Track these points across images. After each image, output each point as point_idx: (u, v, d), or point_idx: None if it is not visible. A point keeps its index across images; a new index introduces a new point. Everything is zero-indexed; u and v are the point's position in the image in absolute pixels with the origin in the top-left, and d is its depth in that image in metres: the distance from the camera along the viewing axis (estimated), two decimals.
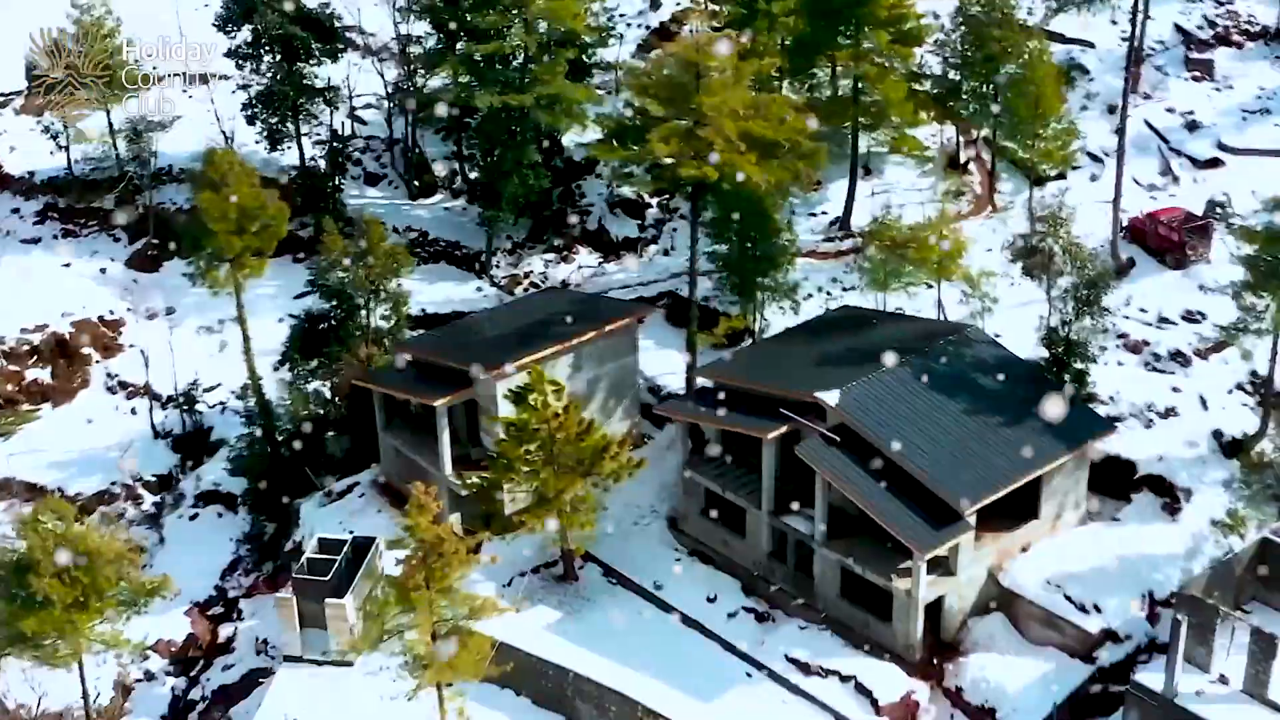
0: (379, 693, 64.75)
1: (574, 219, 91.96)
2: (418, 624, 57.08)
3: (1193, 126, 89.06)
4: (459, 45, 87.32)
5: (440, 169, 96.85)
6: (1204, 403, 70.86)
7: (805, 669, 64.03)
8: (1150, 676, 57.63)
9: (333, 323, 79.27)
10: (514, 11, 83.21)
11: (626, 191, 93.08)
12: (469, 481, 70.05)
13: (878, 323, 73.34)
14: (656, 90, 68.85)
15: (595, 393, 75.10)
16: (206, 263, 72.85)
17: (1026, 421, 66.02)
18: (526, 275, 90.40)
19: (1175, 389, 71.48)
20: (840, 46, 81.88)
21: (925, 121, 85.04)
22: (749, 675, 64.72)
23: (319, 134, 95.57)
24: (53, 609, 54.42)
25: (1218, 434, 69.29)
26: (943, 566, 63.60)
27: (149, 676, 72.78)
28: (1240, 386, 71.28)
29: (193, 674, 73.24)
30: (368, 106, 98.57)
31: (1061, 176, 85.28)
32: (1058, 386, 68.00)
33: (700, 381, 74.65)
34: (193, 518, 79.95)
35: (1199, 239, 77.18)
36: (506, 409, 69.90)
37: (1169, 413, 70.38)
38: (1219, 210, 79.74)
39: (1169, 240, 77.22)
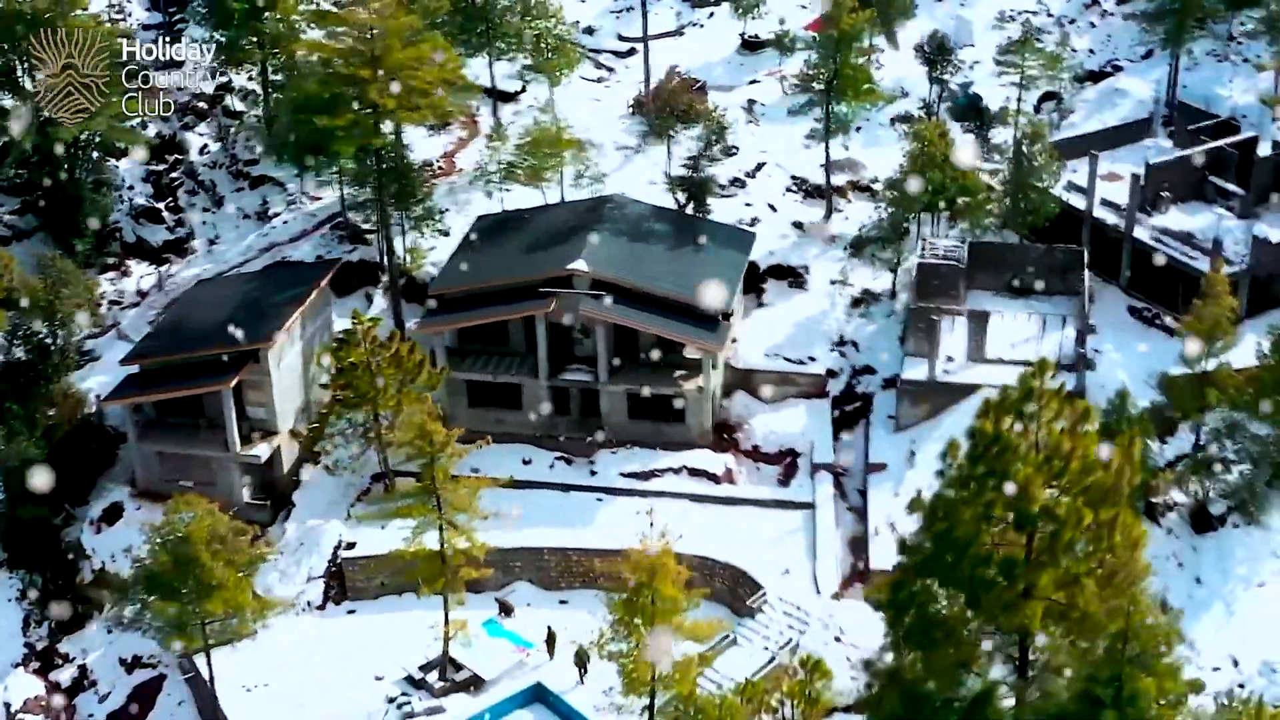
0: (305, 653, 71.76)
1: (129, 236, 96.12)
2: (462, 510, 65.72)
3: (590, 31, 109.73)
4: None
5: None
6: (773, 208, 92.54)
7: (643, 476, 78.86)
8: (910, 373, 79.00)
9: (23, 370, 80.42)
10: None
11: (140, 200, 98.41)
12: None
13: (530, 216, 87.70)
14: (349, 57, 78.34)
15: (312, 345, 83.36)
16: None
17: (707, 248, 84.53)
18: (103, 295, 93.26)
19: (748, 204, 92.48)
20: None
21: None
22: (600, 500, 78.31)
23: None
24: (225, 589, 57.66)
25: (797, 224, 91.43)
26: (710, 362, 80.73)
27: None
28: (788, 189, 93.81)
29: None
30: None
31: (522, 92, 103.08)
32: (696, 218, 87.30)
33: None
34: None
35: (700, 96, 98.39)
36: (276, 371, 78.33)
37: (754, 221, 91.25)
38: (682, 75, 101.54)
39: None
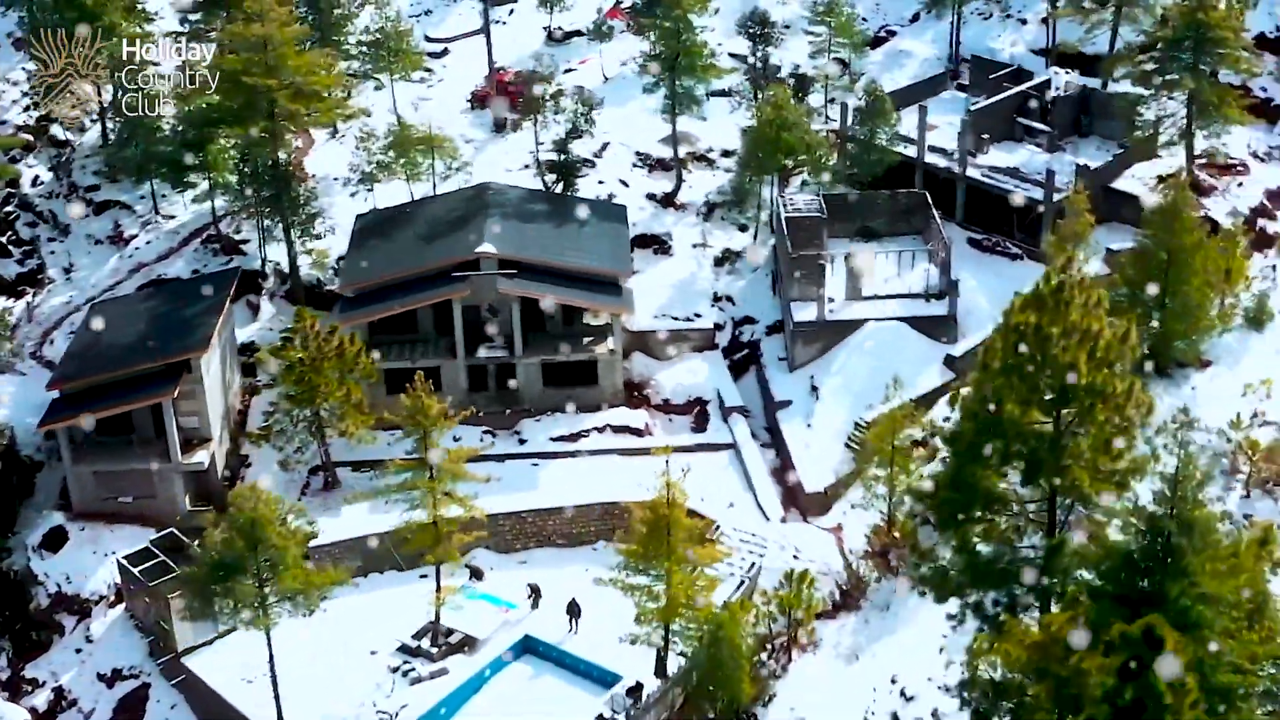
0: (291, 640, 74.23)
1: None
2: (458, 478, 69.74)
3: None
4: None
5: None
6: (625, 183, 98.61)
7: (571, 439, 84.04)
8: (800, 315, 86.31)
9: None
10: None
11: None
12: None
13: (411, 209, 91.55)
14: (246, 65, 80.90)
15: (227, 353, 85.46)
16: None
17: (590, 222, 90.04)
18: None
19: (600, 181, 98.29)
20: None
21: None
22: (535, 465, 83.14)
23: None
24: (299, 567, 60.42)
25: (651, 195, 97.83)
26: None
27: None
28: (634, 164, 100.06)
29: None
30: None
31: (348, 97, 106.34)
32: (569, 197, 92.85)
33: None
34: None
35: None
36: (207, 379, 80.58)
37: (611, 197, 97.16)
38: (502, 69, 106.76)
39: (520, 91, 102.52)
